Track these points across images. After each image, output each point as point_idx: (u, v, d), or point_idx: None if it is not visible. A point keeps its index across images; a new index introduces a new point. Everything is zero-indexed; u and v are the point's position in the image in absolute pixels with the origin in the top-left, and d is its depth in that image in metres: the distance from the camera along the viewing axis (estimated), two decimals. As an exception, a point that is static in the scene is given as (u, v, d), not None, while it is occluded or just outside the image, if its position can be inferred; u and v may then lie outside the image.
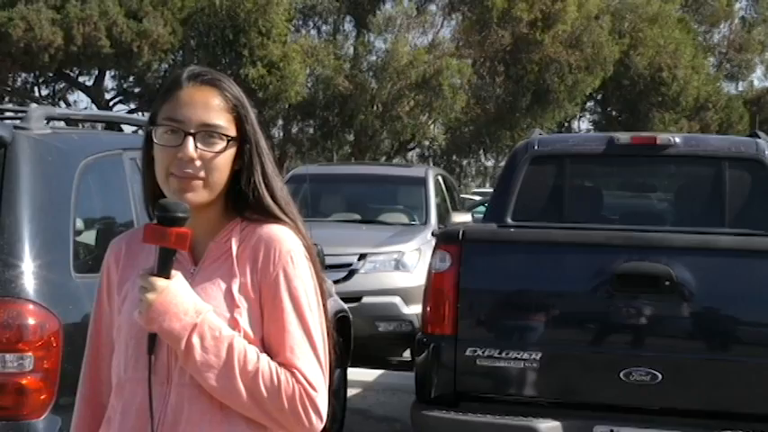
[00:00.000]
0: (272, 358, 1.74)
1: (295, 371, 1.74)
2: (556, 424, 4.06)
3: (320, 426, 1.77)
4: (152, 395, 1.72)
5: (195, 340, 1.70)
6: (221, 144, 1.77)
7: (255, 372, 1.71)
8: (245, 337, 1.74)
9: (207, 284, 1.78)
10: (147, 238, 1.73)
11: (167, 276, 1.72)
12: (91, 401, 1.92)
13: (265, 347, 1.76)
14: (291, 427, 1.76)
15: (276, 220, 1.82)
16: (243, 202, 1.83)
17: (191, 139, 1.75)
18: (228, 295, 1.77)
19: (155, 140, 1.78)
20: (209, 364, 1.70)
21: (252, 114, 1.84)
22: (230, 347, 1.71)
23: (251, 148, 1.81)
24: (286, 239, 1.80)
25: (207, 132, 1.76)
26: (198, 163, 1.75)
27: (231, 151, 1.79)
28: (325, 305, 1.85)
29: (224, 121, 1.78)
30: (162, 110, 1.79)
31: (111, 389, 1.85)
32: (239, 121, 1.81)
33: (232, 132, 1.79)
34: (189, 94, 1.78)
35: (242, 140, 1.81)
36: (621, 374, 4.04)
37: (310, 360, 1.76)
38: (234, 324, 1.74)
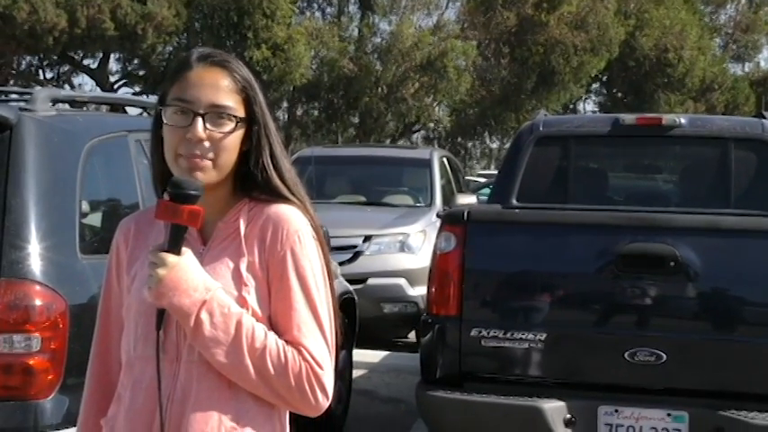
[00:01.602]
0: (279, 336, 1.76)
1: (302, 349, 1.75)
2: (560, 404, 4.08)
3: (326, 403, 1.79)
4: (160, 372, 1.74)
5: (204, 316, 1.71)
6: (230, 125, 1.78)
7: (263, 349, 1.73)
8: (253, 314, 1.76)
9: (215, 263, 1.79)
10: (159, 215, 1.75)
11: (178, 253, 1.73)
12: (100, 379, 1.94)
13: (272, 326, 1.77)
14: (297, 405, 1.78)
15: (284, 200, 1.83)
16: (251, 182, 1.84)
17: (200, 119, 1.76)
18: (236, 274, 1.78)
19: (164, 121, 1.79)
20: (218, 340, 1.72)
21: (260, 96, 1.84)
22: (239, 324, 1.73)
23: (259, 130, 1.82)
24: (294, 219, 1.81)
25: (216, 113, 1.77)
26: (207, 143, 1.76)
27: (240, 132, 1.80)
28: (332, 284, 1.86)
29: (233, 102, 1.79)
30: (171, 90, 1.80)
31: (120, 367, 1.87)
32: (248, 102, 1.82)
33: (241, 113, 1.80)
34: (198, 74, 1.79)
35: (250, 121, 1.82)
36: (626, 355, 4.04)
37: (317, 338, 1.77)
38: (242, 302, 1.76)
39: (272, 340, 1.74)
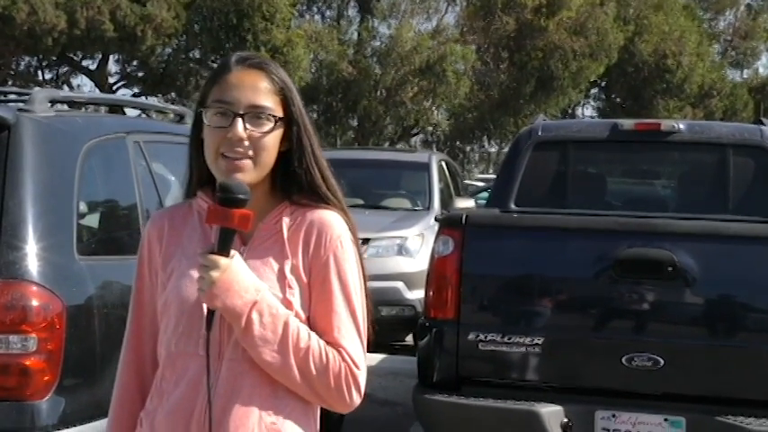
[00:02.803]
0: (319, 337, 1.82)
1: (341, 350, 1.82)
2: (557, 408, 4.07)
3: (359, 402, 1.86)
4: (209, 370, 1.78)
5: (254, 317, 1.77)
6: (269, 125, 1.83)
7: (307, 349, 1.79)
8: (297, 316, 1.81)
9: (258, 264, 1.84)
10: (210, 219, 1.79)
11: (227, 255, 1.78)
12: (133, 368, 1.98)
13: (311, 326, 1.83)
14: (333, 403, 1.85)
15: (325, 203, 1.89)
16: (290, 185, 1.89)
17: (240, 119, 1.81)
18: (281, 276, 1.84)
19: (205, 122, 1.84)
20: (266, 339, 1.77)
21: (297, 98, 1.89)
22: (286, 325, 1.79)
23: (299, 130, 1.87)
24: (336, 225, 1.88)
25: (255, 113, 1.82)
26: (247, 143, 1.81)
27: (279, 132, 1.85)
28: (366, 286, 1.93)
29: (271, 103, 1.84)
30: (211, 93, 1.85)
31: (153, 359, 1.93)
32: (286, 103, 1.87)
33: (279, 113, 1.85)
34: (237, 76, 1.84)
35: (289, 122, 1.87)
36: (623, 360, 4.04)
37: (354, 340, 1.85)
38: (287, 303, 1.81)
39: (315, 341, 1.81)
